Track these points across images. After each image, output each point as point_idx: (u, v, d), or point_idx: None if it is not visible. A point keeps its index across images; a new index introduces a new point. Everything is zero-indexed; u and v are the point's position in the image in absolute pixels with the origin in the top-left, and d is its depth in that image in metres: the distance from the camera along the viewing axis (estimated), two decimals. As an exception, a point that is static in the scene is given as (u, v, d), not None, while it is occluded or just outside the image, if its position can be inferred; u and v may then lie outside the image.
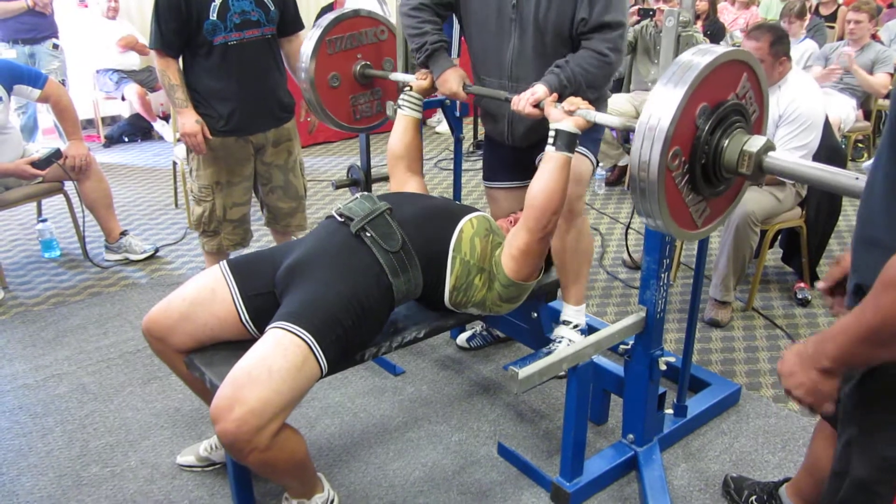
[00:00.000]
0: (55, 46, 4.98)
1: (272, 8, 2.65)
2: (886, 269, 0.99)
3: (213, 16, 2.54)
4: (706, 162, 1.52)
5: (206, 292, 1.86)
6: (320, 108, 2.51)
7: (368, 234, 1.83)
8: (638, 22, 4.52)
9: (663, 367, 2.04)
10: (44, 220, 3.77)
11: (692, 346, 2.24)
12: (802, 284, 3.24)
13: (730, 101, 1.53)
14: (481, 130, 5.95)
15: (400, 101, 2.31)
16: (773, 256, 3.55)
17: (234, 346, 1.82)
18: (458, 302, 1.95)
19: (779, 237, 3.43)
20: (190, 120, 2.61)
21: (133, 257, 3.68)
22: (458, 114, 2.68)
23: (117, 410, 2.47)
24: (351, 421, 2.41)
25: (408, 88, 2.30)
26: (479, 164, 5.32)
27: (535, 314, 2.43)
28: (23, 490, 2.11)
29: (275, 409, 1.58)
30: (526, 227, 1.84)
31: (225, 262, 1.92)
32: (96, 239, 3.77)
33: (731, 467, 2.17)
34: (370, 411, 2.46)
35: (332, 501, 1.95)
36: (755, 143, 1.50)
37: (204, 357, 1.85)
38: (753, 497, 1.96)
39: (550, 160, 1.82)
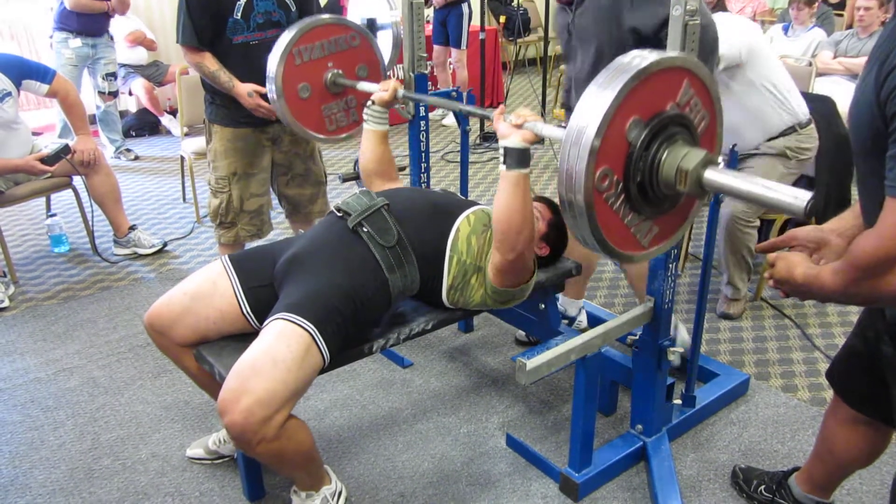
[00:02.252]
0: (111, 38, 5.18)
1: (293, 9, 2.67)
2: (857, 251, 1.15)
3: (238, 14, 2.55)
4: (642, 180, 1.38)
5: (207, 286, 1.88)
6: (291, 120, 2.48)
7: (365, 230, 1.84)
8: None
9: (672, 358, 2.04)
10: (53, 215, 3.79)
11: (700, 334, 2.23)
12: (812, 274, 3.22)
13: (668, 112, 1.38)
14: (487, 122, 5.94)
15: (364, 115, 2.27)
16: (781, 246, 3.53)
17: (242, 338, 1.83)
18: (456, 301, 1.95)
19: (786, 228, 3.41)
20: (243, 96, 2.60)
21: (142, 251, 3.70)
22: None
23: (128, 404, 2.49)
24: (360, 413, 2.42)
25: (370, 102, 2.24)
26: (486, 157, 5.32)
27: (543, 305, 2.43)
28: (35, 483, 2.13)
29: (281, 400, 1.59)
30: (496, 248, 1.81)
31: (226, 256, 1.94)
32: (105, 233, 3.79)
33: (741, 457, 2.17)
34: (379, 403, 2.47)
35: (340, 493, 1.96)
36: (692, 159, 1.35)
37: (212, 349, 1.86)
38: (762, 487, 1.96)
39: (504, 180, 1.71)
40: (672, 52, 1.45)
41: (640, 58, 1.32)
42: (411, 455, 2.21)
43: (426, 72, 2.60)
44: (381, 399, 2.49)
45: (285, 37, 2.39)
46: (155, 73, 5.90)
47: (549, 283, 2.33)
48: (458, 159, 2.96)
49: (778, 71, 2.81)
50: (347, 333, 1.75)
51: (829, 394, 2.46)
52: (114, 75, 5.20)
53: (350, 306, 1.74)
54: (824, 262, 1.37)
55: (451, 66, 6.32)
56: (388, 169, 2.27)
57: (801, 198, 1.24)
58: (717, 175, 1.34)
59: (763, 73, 2.74)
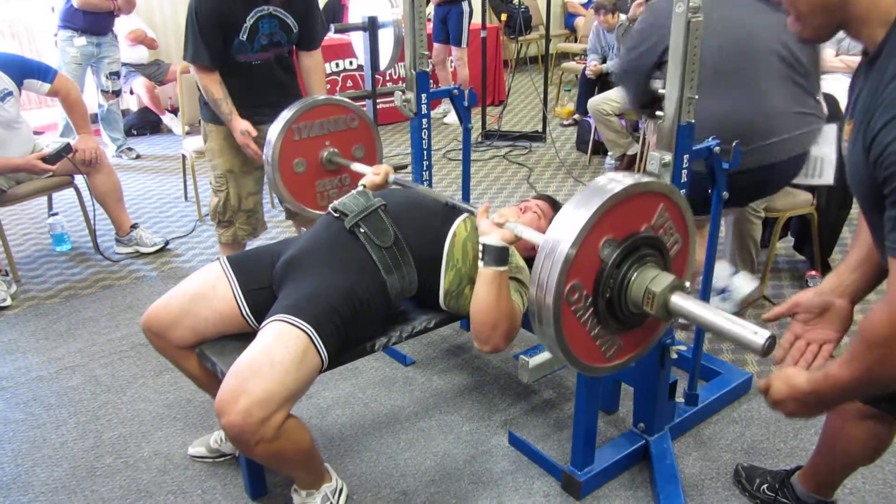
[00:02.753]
0: (115, 37, 5.21)
1: (295, 31, 2.69)
2: (870, 327, 1.07)
3: (243, 36, 2.57)
4: (611, 297, 1.40)
5: (206, 287, 1.88)
6: (283, 192, 2.48)
7: (362, 230, 1.85)
8: None
9: (674, 356, 2.04)
10: (55, 214, 3.79)
11: (703, 334, 2.23)
12: (814, 273, 3.22)
13: (641, 234, 1.41)
14: (489, 120, 5.94)
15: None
16: (784, 245, 3.53)
17: (244, 337, 1.83)
18: (451, 307, 1.96)
19: (790, 225, 3.41)
20: (237, 132, 2.65)
21: (143, 250, 3.70)
22: (466, 104, 2.68)
23: (130, 402, 2.49)
24: (362, 411, 2.42)
25: (361, 187, 2.15)
26: (488, 155, 5.32)
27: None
28: (38, 481, 2.13)
29: (279, 401, 1.59)
30: (474, 336, 1.78)
31: (225, 258, 1.94)
32: (107, 232, 3.79)
33: (743, 456, 2.17)
34: (381, 401, 2.47)
35: (341, 491, 1.96)
36: (661, 282, 1.37)
37: (215, 348, 1.86)
38: (765, 486, 1.96)
39: (481, 276, 1.72)
40: (648, 178, 1.47)
41: (617, 182, 1.36)
42: (413, 453, 2.21)
43: (427, 70, 2.60)
44: (383, 397, 2.49)
45: (286, 113, 2.41)
46: (156, 72, 5.90)
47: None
48: (460, 157, 2.96)
49: None
50: (346, 334, 1.75)
51: (831, 392, 2.46)
52: (117, 74, 5.23)
53: (349, 307, 1.74)
54: (825, 333, 1.35)
55: (452, 65, 6.32)
56: None
57: (760, 334, 1.25)
58: (684, 302, 1.37)
59: None
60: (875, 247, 1.31)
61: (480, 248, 1.72)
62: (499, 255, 1.70)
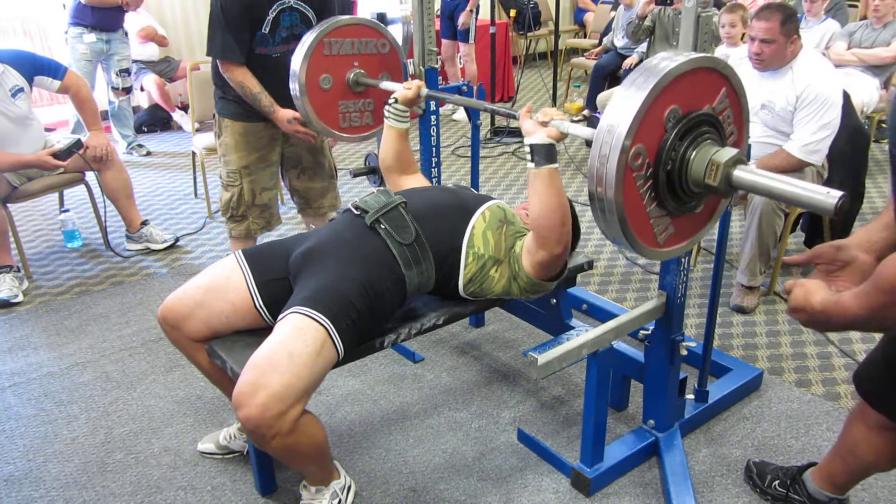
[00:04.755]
0: (125, 34, 5.21)
1: (314, 23, 2.68)
2: (883, 274, 1.09)
3: (266, 29, 2.58)
4: (672, 169, 1.41)
5: (220, 280, 1.88)
6: (306, 106, 2.47)
7: (383, 227, 1.84)
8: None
9: (684, 353, 2.03)
10: (66, 211, 3.81)
11: (713, 330, 2.22)
12: (825, 268, 3.19)
13: (704, 111, 1.42)
14: (498, 117, 5.93)
15: (385, 113, 2.27)
16: (795, 240, 3.51)
17: (254, 333, 1.84)
18: (475, 292, 1.96)
19: (801, 220, 3.39)
20: (283, 122, 2.64)
21: (154, 247, 3.71)
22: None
23: (140, 398, 2.50)
24: (371, 408, 2.42)
25: (392, 100, 2.24)
26: (497, 151, 5.31)
27: (555, 300, 2.43)
28: (49, 476, 2.14)
29: (297, 394, 1.59)
30: (540, 245, 1.80)
31: (239, 251, 1.94)
32: (118, 229, 3.81)
33: (754, 452, 2.16)
34: (390, 398, 2.47)
35: (350, 488, 1.96)
36: (724, 154, 1.39)
37: (224, 344, 1.86)
38: (776, 482, 1.95)
39: (535, 178, 1.72)
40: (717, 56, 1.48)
41: (684, 55, 1.38)
42: (422, 450, 2.21)
43: (437, 66, 2.60)
44: (392, 394, 2.49)
45: (320, 25, 2.42)
46: (166, 69, 5.92)
47: (561, 279, 2.32)
48: (469, 154, 2.95)
49: None
50: (362, 328, 1.75)
51: (843, 388, 2.44)
52: (127, 71, 5.24)
53: (366, 301, 1.74)
54: (846, 286, 1.33)
55: (461, 61, 6.31)
56: (408, 164, 2.29)
57: (832, 195, 1.23)
58: (747, 174, 1.37)
59: (832, 124, 2.83)
60: None
61: (527, 150, 1.71)
62: (548, 153, 1.70)
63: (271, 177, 2.85)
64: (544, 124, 1.70)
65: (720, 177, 1.38)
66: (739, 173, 1.38)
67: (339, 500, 1.92)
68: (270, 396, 1.56)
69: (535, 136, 1.69)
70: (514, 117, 1.84)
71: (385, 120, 2.27)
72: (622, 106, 1.32)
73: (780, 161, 2.82)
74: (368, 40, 2.52)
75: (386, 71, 2.59)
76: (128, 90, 5.33)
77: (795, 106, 2.79)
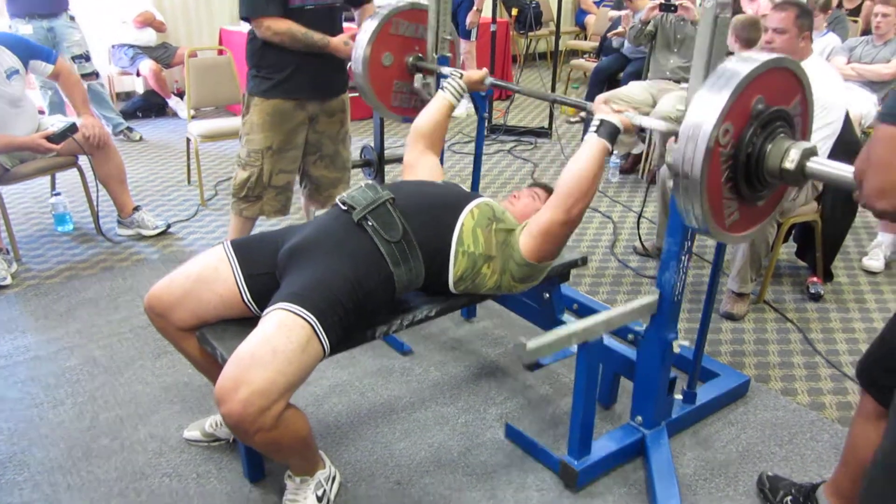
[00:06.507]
0: (72, 18, 4.92)
1: None
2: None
3: None
4: (751, 153, 1.55)
5: (209, 270, 1.87)
6: (364, 77, 2.57)
7: (370, 224, 1.83)
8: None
9: (677, 350, 2.03)
10: (57, 194, 3.79)
11: (706, 333, 2.23)
12: (815, 279, 3.21)
13: (785, 108, 1.57)
14: (496, 115, 5.93)
15: (444, 84, 2.34)
16: (786, 250, 3.52)
17: (245, 322, 1.83)
18: (466, 289, 1.96)
19: (793, 231, 3.40)
20: (341, 46, 2.68)
21: (145, 233, 3.70)
22: (483, 94, 2.67)
23: (127, 384, 2.49)
24: (358, 400, 2.42)
25: (458, 75, 2.35)
26: (493, 149, 5.31)
27: (548, 295, 2.43)
28: (34, 460, 2.13)
29: (280, 390, 1.58)
30: (552, 205, 1.84)
31: (228, 242, 1.93)
32: (109, 214, 3.79)
33: (738, 458, 2.17)
34: (378, 391, 2.47)
35: (334, 478, 1.97)
36: (801, 145, 1.54)
37: (215, 332, 1.86)
38: (789, 498, 1.93)
39: (589, 145, 1.84)
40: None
41: (778, 56, 1.57)
42: (409, 443, 2.21)
43: (448, 55, 2.61)
44: (379, 387, 2.49)
45: (394, 5, 2.54)
46: (163, 55, 5.89)
47: (555, 273, 2.33)
48: (465, 150, 2.94)
49: None
50: (349, 324, 1.74)
51: (828, 399, 2.46)
52: (83, 57, 4.91)
53: (353, 297, 1.73)
54: None
55: (462, 58, 6.30)
56: (439, 139, 2.36)
57: None
58: (819, 164, 1.53)
59: (833, 126, 2.87)
60: None
61: (597, 122, 1.86)
62: (612, 131, 1.85)
63: (293, 160, 2.86)
64: (619, 112, 1.88)
65: (796, 164, 1.52)
66: (812, 164, 1.53)
67: (324, 491, 1.92)
68: (253, 392, 1.55)
69: (610, 116, 1.86)
70: (585, 108, 2.00)
71: (441, 90, 2.35)
72: (718, 86, 1.48)
73: None
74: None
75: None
76: (94, 75, 5.04)
77: None
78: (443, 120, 2.32)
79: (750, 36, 3.49)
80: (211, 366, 1.90)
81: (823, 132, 2.79)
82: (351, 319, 1.74)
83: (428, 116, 2.30)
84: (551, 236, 1.85)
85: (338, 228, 1.85)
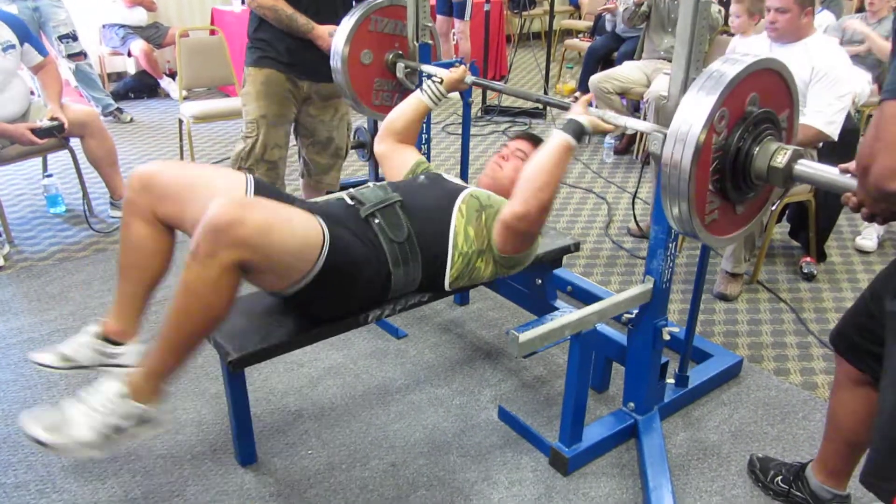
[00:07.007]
0: None
1: None
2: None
3: None
4: (741, 148, 1.55)
5: (222, 181, 1.79)
6: (344, 76, 2.53)
7: (377, 221, 1.83)
8: None
9: (667, 337, 2.04)
10: (49, 176, 3.76)
11: (696, 316, 2.23)
12: (809, 259, 3.22)
13: (777, 114, 1.59)
14: (490, 95, 5.90)
15: (424, 86, 2.31)
16: (780, 230, 3.53)
17: (252, 316, 1.82)
18: (463, 286, 1.98)
19: (786, 211, 3.41)
20: (324, 36, 2.67)
21: (138, 215, 3.67)
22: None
23: (121, 366, 2.49)
24: (353, 382, 2.42)
25: (437, 79, 2.32)
26: (487, 130, 5.29)
27: (540, 280, 2.43)
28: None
29: (263, 231, 1.50)
30: (513, 198, 1.82)
31: (251, 176, 1.86)
32: (101, 195, 3.77)
33: (730, 438, 2.18)
34: (372, 373, 2.47)
35: (150, 423, 1.64)
36: (790, 147, 1.56)
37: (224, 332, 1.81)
38: (779, 478, 1.94)
39: (551, 138, 1.83)
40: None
41: (778, 59, 1.60)
42: (403, 425, 2.22)
43: (430, 42, 2.58)
44: (374, 369, 2.50)
45: (370, 2, 2.49)
46: (154, 35, 5.83)
47: (547, 259, 2.33)
48: (460, 132, 2.94)
49: None
50: (345, 285, 1.74)
51: (820, 378, 2.48)
52: (70, 36, 4.86)
53: (352, 271, 1.73)
54: None
55: (455, 38, 6.26)
56: (411, 137, 2.34)
57: None
58: (806, 167, 1.53)
59: (845, 99, 2.83)
60: None
61: (565, 119, 1.86)
62: (576, 129, 1.83)
63: (285, 135, 2.88)
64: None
65: (784, 164, 1.52)
66: (800, 167, 1.53)
67: (120, 428, 1.59)
68: (249, 217, 1.48)
69: (579, 116, 1.86)
70: (566, 108, 1.98)
71: (419, 92, 2.31)
72: (719, 73, 1.50)
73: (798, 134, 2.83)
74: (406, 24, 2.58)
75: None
76: (81, 55, 4.99)
77: (811, 77, 2.77)
78: (416, 121, 2.31)
79: (752, 7, 3.50)
80: (150, 261, 1.79)
81: (840, 104, 2.75)
82: (344, 286, 1.74)
83: (401, 115, 2.28)
84: (513, 230, 1.84)
85: (348, 217, 1.84)
